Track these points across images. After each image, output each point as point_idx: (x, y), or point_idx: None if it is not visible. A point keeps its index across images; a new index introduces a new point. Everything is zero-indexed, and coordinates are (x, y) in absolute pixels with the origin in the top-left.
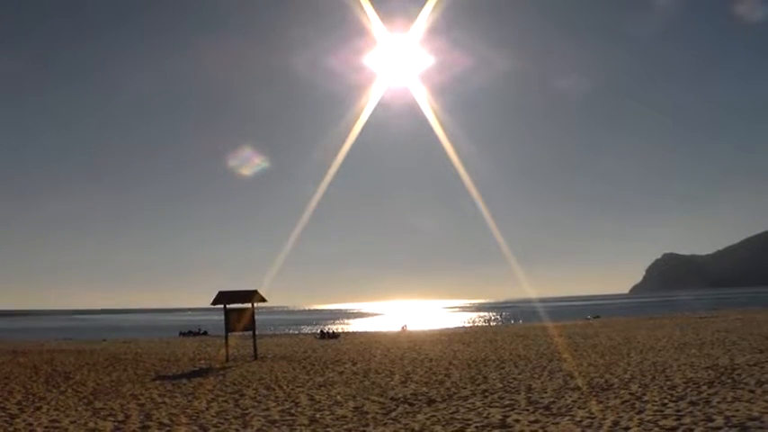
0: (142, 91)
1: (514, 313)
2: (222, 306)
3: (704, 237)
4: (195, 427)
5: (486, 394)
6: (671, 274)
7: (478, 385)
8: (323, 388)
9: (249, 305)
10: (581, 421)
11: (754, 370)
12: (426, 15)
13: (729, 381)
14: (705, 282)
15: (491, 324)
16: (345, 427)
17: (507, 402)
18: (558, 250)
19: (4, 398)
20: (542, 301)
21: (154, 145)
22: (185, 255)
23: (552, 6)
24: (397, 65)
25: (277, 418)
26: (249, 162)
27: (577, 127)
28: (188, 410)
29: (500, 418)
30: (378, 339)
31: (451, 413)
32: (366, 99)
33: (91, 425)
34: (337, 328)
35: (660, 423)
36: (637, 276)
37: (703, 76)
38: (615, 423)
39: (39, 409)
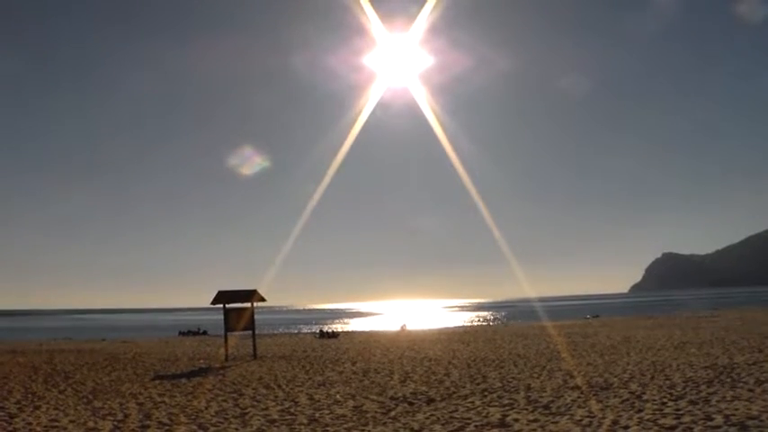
0: (141, 90)
1: (513, 313)
2: (221, 306)
3: (703, 236)
4: (194, 427)
5: (486, 393)
6: (670, 273)
7: (478, 384)
8: (322, 387)
9: (248, 305)
10: (580, 420)
11: (753, 369)
12: (426, 15)
13: (728, 380)
14: (704, 281)
15: (490, 323)
16: (345, 426)
17: (506, 401)
18: (558, 250)
19: (3, 397)
20: (541, 300)
21: (152, 144)
22: (184, 254)
23: (552, 6)
24: (397, 65)
25: (276, 417)
26: (249, 161)
27: (577, 126)
28: (187, 410)
29: (499, 417)
30: (377, 339)
31: (451, 412)
32: (366, 99)
33: (90, 424)
34: (336, 327)
35: (659, 422)
36: (636, 276)
37: (703, 75)
38: (614, 422)
39: (38, 408)
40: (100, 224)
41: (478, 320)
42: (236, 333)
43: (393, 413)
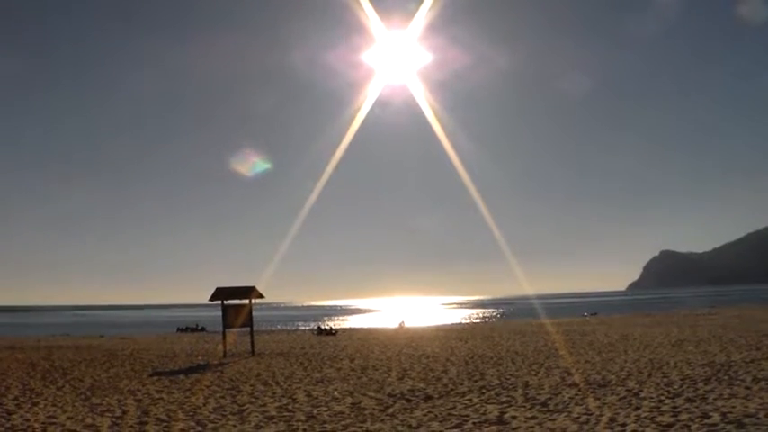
0: (140, 88)
1: (512, 310)
2: (220, 302)
3: (701, 234)
4: (192, 423)
5: (484, 390)
6: (668, 271)
7: (476, 381)
8: (320, 384)
9: (247, 301)
10: (578, 418)
11: (751, 367)
12: (425, 12)
13: (726, 377)
14: (702, 279)
15: (488, 321)
16: (343, 422)
17: (504, 399)
18: (556, 247)
19: (1, 393)
20: (540, 297)
21: (151, 142)
22: (183, 251)
23: (552, 4)
24: (396, 62)
25: (274, 413)
26: (247, 160)
27: (577, 125)
28: (185, 406)
29: (497, 414)
30: (375, 336)
31: (449, 409)
32: (364, 96)
33: (88, 420)
34: (335, 324)
35: (657, 419)
36: (634, 274)
37: (703, 74)
38: (612, 419)
39: (36, 404)
40: (99, 221)
41: (477, 318)
42: (235, 330)
43: (391, 410)
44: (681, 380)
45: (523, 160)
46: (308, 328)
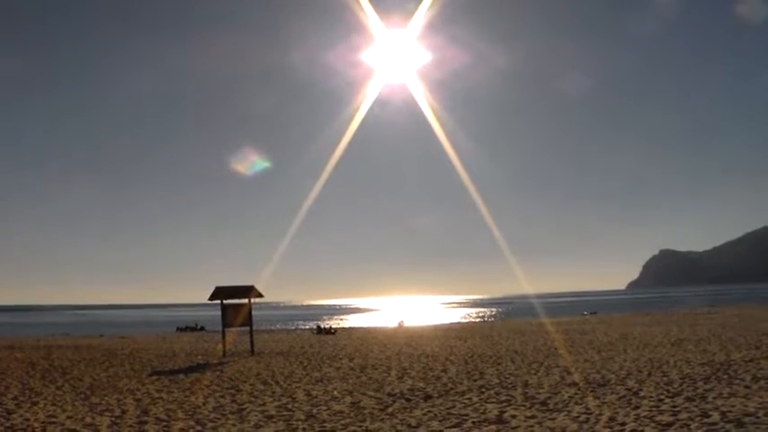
0: (140, 87)
1: (511, 309)
2: (219, 302)
3: (701, 233)
4: (192, 423)
5: (483, 390)
6: (667, 270)
7: (475, 381)
8: (320, 383)
9: (246, 301)
10: (577, 417)
11: (750, 366)
12: (424, 11)
13: (725, 377)
14: (702, 278)
15: (488, 320)
16: (342, 422)
17: (504, 398)
18: (556, 246)
19: (0, 393)
20: (539, 297)
21: (150, 141)
22: (183, 250)
23: (551, 3)
24: (395, 61)
25: (274, 413)
26: (247, 159)
27: (576, 124)
28: (185, 405)
29: (497, 413)
30: (375, 335)
31: (448, 408)
32: (363, 95)
33: (88, 420)
34: (334, 323)
35: (656, 419)
36: (633, 273)
37: (703, 74)
38: (612, 419)
39: (35, 404)
40: (99, 221)
41: (476, 317)
42: (234, 329)
43: (390, 409)
44: (680, 379)
45: (523, 159)
46: (307, 327)
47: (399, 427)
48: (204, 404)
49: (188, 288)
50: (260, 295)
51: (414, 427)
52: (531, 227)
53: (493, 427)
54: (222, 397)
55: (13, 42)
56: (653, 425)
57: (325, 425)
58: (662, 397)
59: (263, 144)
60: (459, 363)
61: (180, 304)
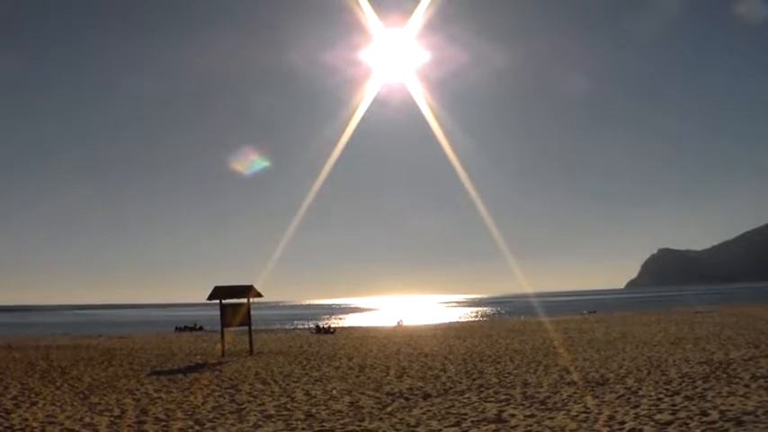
0: (140, 88)
1: (510, 308)
2: (218, 301)
3: (700, 232)
4: (191, 422)
5: (482, 389)
6: (667, 269)
7: (474, 380)
8: (319, 383)
9: (245, 300)
10: (576, 416)
11: (749, 365)
12: (422, 10)
13: (724, 375)
14: (701, 277)
15: (487, 319)
16: (341, 421)
17: (503, 397)
18: (555, 245)
19: None
20: (538, 296)
21: (149, 141)
22: (182, 250)
23: (551, 2)
24: (394, 60)
25: (273, 412)
26: (246, 158)
27: (574, 123)
28: (184, 405)
29: (496, 412)
30: (373, 334)
31: (447, 408)
32: (362, 95)
33: (87, 420)
34: (333, 323)
35: (655, 417)
36: (632, 272)
37: (703, 73)
38: (611, 417)
39: (35, 404)
40: (98, 220)
41: (475, 316)
42: (233, 329)
43: (389, 409)
44: (679, 378)
45: (522, 158)
46: (306, 326)
47: (398, 427)
48: (203, 404)
49: (187, 288)
50: (259, 295)
51: (413, 426)
52: (530, 226)
53: (492, 426)
54: (221, 397)
55: (13, 42)
56: (652, 424)
57: (324, 424)
58: (661, 396)
59: (262, 143)
60: (458, 362)
61: (179, 304)
